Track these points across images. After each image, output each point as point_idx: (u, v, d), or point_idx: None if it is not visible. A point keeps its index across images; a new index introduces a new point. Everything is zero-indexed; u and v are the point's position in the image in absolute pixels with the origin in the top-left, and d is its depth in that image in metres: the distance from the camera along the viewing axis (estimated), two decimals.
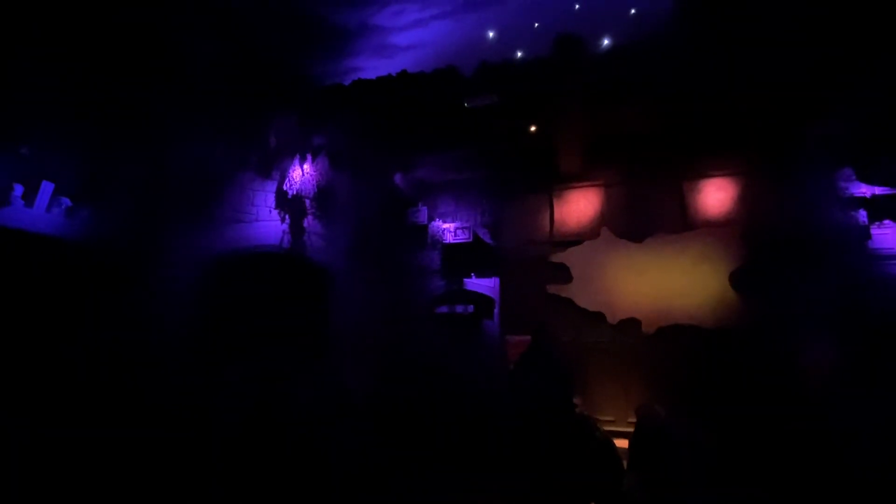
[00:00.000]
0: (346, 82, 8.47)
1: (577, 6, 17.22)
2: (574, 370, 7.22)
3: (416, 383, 6.43)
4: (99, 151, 6.33)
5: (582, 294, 8.54)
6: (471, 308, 10.14)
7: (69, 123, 5.93)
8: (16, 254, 5.47)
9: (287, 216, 8.19)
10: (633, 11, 12.97)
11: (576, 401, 5.29)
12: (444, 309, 10.11)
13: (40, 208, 5.70)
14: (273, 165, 8.16)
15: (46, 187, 5.72)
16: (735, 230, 7.83)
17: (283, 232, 8.14)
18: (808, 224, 7.15)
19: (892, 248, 6.96)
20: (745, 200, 7.93)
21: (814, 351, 6.27)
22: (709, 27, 5.84)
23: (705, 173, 8.24)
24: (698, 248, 7.96)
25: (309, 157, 8.36)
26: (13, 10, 5.04)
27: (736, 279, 7.64)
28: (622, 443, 4.84)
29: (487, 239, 9.76)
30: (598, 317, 8.37)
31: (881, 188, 6.99)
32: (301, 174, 8.23)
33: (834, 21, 5.41)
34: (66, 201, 5.98)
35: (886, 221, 7.02)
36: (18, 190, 5.50)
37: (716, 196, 8.16)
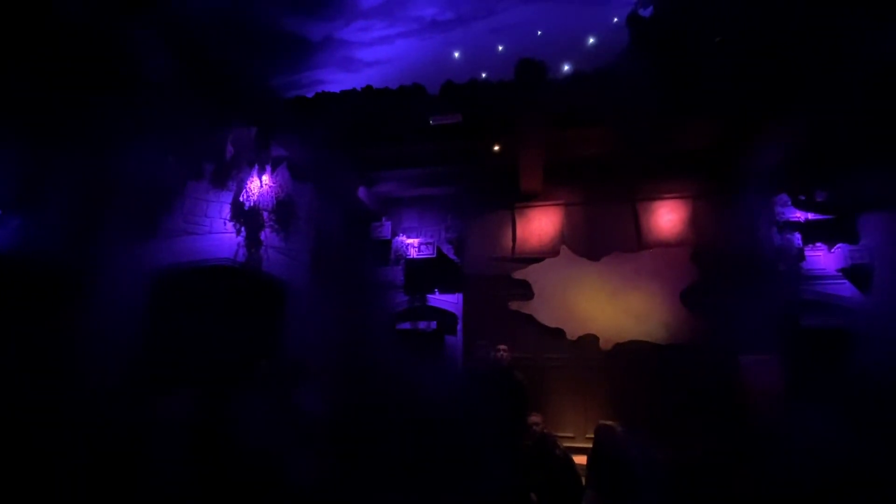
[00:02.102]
0: (310, 94, 8.34)
1: (539, 33, 18.00)
2: (534, 386, 7.27)
3: (375, 402, 6.25)
4: (35, 155, 5.86)
5: (542, 310, 8.69)
6: (433, 324, 10.06)
7: (2, 124, 5.47)
8: None
9: (243, 228, 7.86)
10: (591, 41, 13.71)
11: (536, 418, 5.30)
12: (406, 325, 9.96)
13: None
14: (229, 176, 7.84)
15: None
16: (685, 250, 8.26)
17: (238, 245, 7.79)
18: (750, 245, 7.68)
19: (824, 269, 7.55)
20: (694, 222, 8.41)
21: (757, 366, 6.63)
22: (657, 62, 6.24)
23: (657, 196, 8.69)
24: (652, 267, 8.31)
25: (268, 168, 8.10)
26: None
27: (686, 297, 8.03)
28: (581, 458, 4.88)
29: (451, 255, 9.77)
30: (558, 333, 8.53)
31: (813, 214, 7.62)
32: (259, 185, 7.96)
33: (761, 64, 5.91)
34: None
35: (819, 244, 7.62)
36: None
37: (667, 217, 8.60)
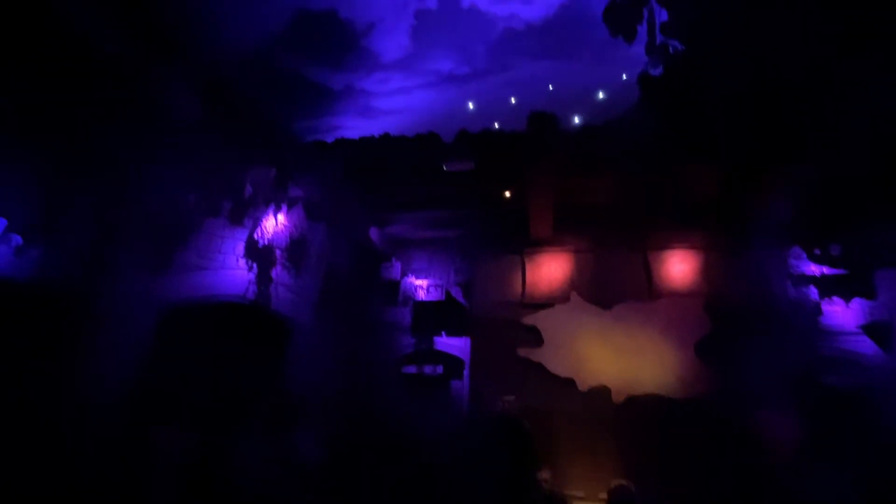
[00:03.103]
0: (329, 139, 8.69)
1: (550, 87, 18.81)
2: (543, 439, 6.97)
3: (377, 447, 6.02)
4: (57, 187, 6.09)
5: (552, 359, 8.48)
6: (440, 368, 9.85)
7: (28, 155, 5.71)
8: None
9: (255, 265, 7.95)
10: (600, 96, 14.26)
11: (545, 474, 5.04)
12: (412, 369, 9.77)
13: None
14: (246, 213, 8.05)
15: None
16: (698, 301, 8.12)
17: (249, 282, 7.85)
18: (765, 299, 7.54)
19: (843, 325, 7.34)
20: (706, 273, 8.32)
21: (775, 423, 6.34)
22: (667, 117, 6.45)
23: (668, 245, 8.68)
24: (664, 317, 8.16)
25: (284, 207, 8.31)
26: None
27: (701, 349, 7.81)
28: None
29: (460, 298, 9.72)
30: (569, 383, 8.27)
31: (829, 268, 7.51)
32: (274, 224, 8.13)
33: (770, 115, 6.07)
34: (17, 239, 5.64)
35: (836, 299, 7.46)
36: None
37: (679, 267, 8.54)
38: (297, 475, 4.59)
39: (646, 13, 6.33)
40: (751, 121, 5.99)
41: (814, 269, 7.59)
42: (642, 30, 6.34)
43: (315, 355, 8.40)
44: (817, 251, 7.54)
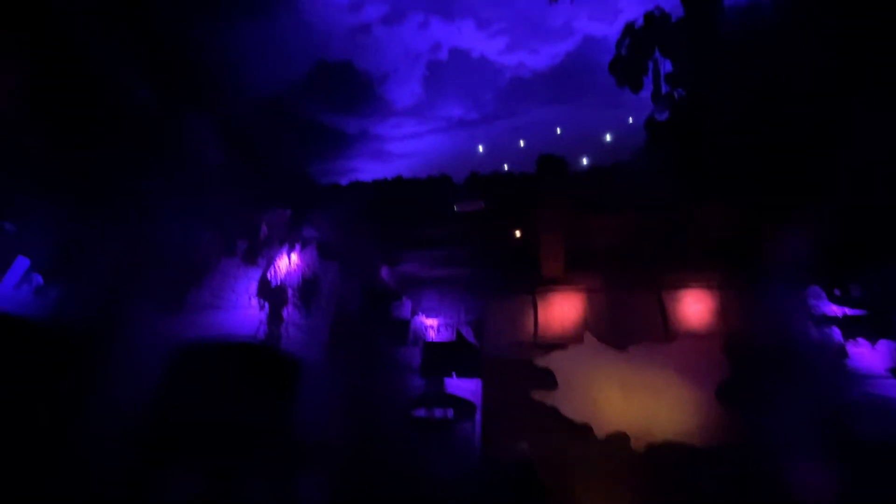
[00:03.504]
0: (344, 182, 8.96)
1: (558, 130, 19.31)
2: (560, 489, 6.64)
3: (384, 494, 5.77)
4: (79, 228, 6.27)
5: (567, 402, 8.19)
6: (450, 412, 9.55)
7: (56, 199, 5.93)
8: None
9: (267, 305, 7.99)
10: (608, 139, 14.58)
11: None
12: (421, 412, 9.49)
13: (8, 285, 5.47)
14: (260, 253, 8.18)
15: (21, 263, 5.56)
16: (716, 343, 7.89)
17: (261, 321, 7.86)
18: (786, 340, 7.29)
19: (871, 368, 7.02)
20: (723, 313, 8.13)
21: (804, 475, 5.96)
22: (674, 159, 6.55)
23: (683, 284, 8.54)
24: (682, 359, 7.91)
25: (298, 247, 8.44)
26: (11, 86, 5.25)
27: (722, 393, 7.49)
28: None
29: (471, 338, 9.58)
30: (585, 429, 7.93)
31: (850, 309, 7.29)
32: (288, 264, 8.23)
33: (780, 157, 6.12)
34: (38, 279, 5.78)
35: (861, 340, 7.18)
36: None
37: (694, 307, 8.36)
38: None
39: (650, 65, 6.60)
40: (760, 162, 6.05)
41: (835, 309, 7.36)
42: (648, 78, 6.60)
43: (324, 396, 8.24)
44: (837, 291, 7.35)
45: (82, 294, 6.11)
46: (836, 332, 7.27)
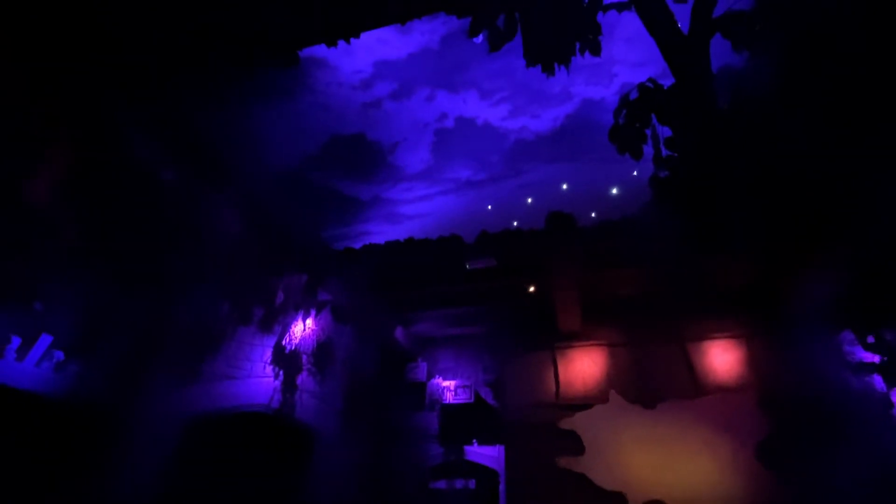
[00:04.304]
0: (358, 245, 9.16)
1: (564, 186, 19.84)
2: None
3: None
4: (101, 304, 6.44)
5: (596, 469, 7.66)
6: (472, 483, 9.00)
7: (79, 276, 6.15)
8: None
9: (281, 372, 7.92)
10: (614, 192, 14.87)
11: None
12: (441, 484, 8.97)
13: (30, 363, 5.56)
14: (276, 320, 8.25)
15: (44, 340, 5.68)
16: (751, 396, 7.44)
17: (275, 390, 7.75)
18: (824, 390, 6.82)
19: None
20: (755, 363, 7.74)
21: None
22: (682, 214, 6.60)
23: (708, 335, 8.23)
24: (716, 416, 7.44)
25: (313, 312, 8.51)
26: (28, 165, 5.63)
27: (763, 454, 6.94)
28: None
29: (490, 399, 9.24)
30: (618, 497, 7.34)
31: (888, 356, 6.89)
32: (302, 329, 8.26)
33: (790, 205, 6.10)
34: (59, 355, 5.87)
35: None
36: (15, 343, 5.46)
37: (723, 358, 7.99)
38: None
39: (648, 133, 6.89)
40: (773, 214, 6.03)
41: (871, 356, 6.97)
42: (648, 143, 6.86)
43: (338, 466, 7.89)
44: (870, 339, 6.98)
45: (101, 368, 6.16)
46: (878, 381, 6.82)
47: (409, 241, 8.67)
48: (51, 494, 4.70)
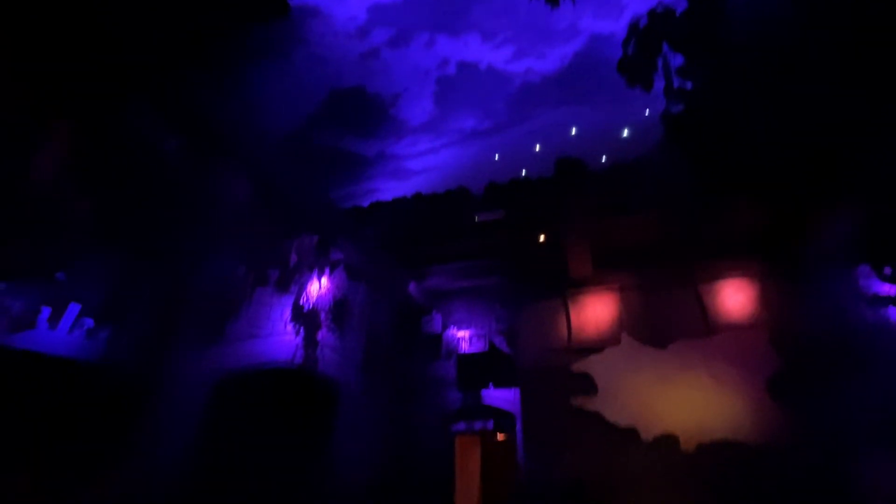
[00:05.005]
0: (365, 203, 9.14)
1: (573, 130, 19.18)
2: (610, 500, 6.43)
3: None
4: (124, 273, 6.65)
5: (609, 407, 7.95)
6: (490, 424, 9.46)
7: (102, 247, 6.32)
8: (35, 377, 5.45)
9: (302, 329, 8.18)
10: (625, 133, 14.34)
11: None
12: (461, 425, 9.44)
13: (63, 330, 5.83)
14: (292, 280, 8.42)
15: (73, 309, 5.92)
16: (762, 333, 7.52)
17: (297, 346, 8.05)
18: (838, 325, 6.85)
19: None
20: (767, 301, 7.75)
21: (866, 467, 5.55)
22: (693, 152, 6.36)
23: (721, 276, 8.20)
24: (728, 354, 7.57)
25: (327, 271, 8.64)
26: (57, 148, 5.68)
27: (774, 387, 7.11)
28: None
29: (504, 347, 9.50)
30: (631, 433, 7.66)
31: None
32: (318, 288, 8.43)
33: (805, 144, 5.83)
34: (89, 322, 6.14)
35: None
36: (46, 313, 5.70)
37: (735, 298, 8.01)
38: None
39: (660, 61, 6.47)
40: (787, 150, 5.78)
41: (888, 288, 6.91)
42: (659, 74, 6.48)
43: (363, 416, 8.32)
44: (888, 270, 6.89)
45: (130, 334, 6.44)
46: (893, 313, 6.81)
47: (417, 196, 8.62)
48: (95, 451, 5.08)
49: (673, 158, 6.27)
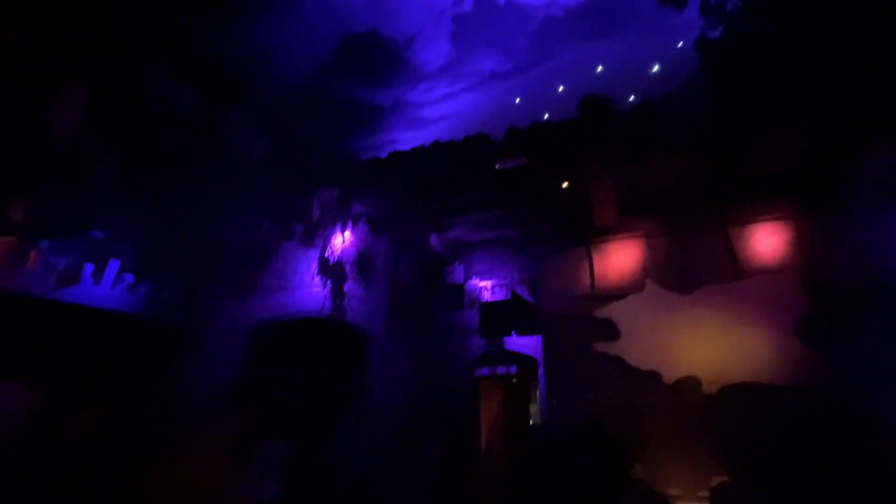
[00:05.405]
0: (383, 155, 9.01)
1: (599, 68, 17.98)
2: (630, 438, 6.66)
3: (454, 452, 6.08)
4: (158, 231, 6.91)
5: (632, 351, 8.05)
6: (513, 369, 9.76)
7: (134, 207, 6.55)
8: (85, 328, 5.86)
9: (328, 282, 8.42)
10: (655, 69, 13.37)
11: (641, 474, 4.80)
12: (485, 370, 9.78)
13: (106, 285, 6.17)
14: (316, 234, 8.57)
15: (113, 265, 6.22)
16: (794, 277, 7.31)
17: (325, 297, 8.33)
18: (873, 265, 6.58)
19: None
20: (802, 245, 7.46)
21: (893, 410, 5.53)
22: (732, 82, 5.88)
23: (753, 219, 7.89)
24: (756, 297, 7.44)
25: (349, 224, 8.74)
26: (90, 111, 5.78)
27: (802, 330, 7.01)
28: None
29: (526, 296, 9.59)
30: (652, 376, 7.79)
31: None
32: (342, 241, 8.56)
33: (851, 70, 5.31)
34: (130, 277, 6.46)
35: None
36: (88, 269, 6.00)
37: (767, 241, 7.74)
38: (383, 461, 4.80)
39: None
40: (834, 80, 5.27)
41: None
42: None
43: (390, 361, 8.71)
44: None
45: (168, 288, 6.75)
46: None
47: (435, 144, 8.41)
48: (146, 394, 5.51)
49: (708, 92, 5.81)
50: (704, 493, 5.98)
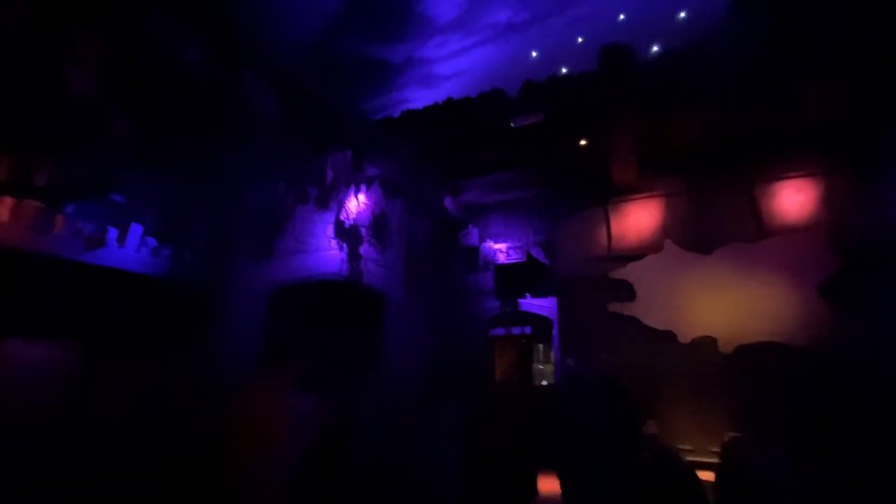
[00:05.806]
0: (396, 114, 8.81)
1: (621, 17, 16.96)
2: (645, 395, 6.77)
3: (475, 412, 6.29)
4: (178, 197, 7.00)
5: (648, 312, 8.05)
6: (528, 329, 9.90)
7: (153, 172, 6.61)
8: (112, 289, 6.09)
9: (345, 245, 8.52)
10: (681, 16, 12.51)
11: (652, 428, 4.90)
12: (500, 331, 9.95)
13: (131, 248, 6.35)
14: (331, 197, 8.58)
15: (136, 230, 6.37)
16: (821, 235, 7.09)
17: (342, 260, 8.45)
18: None
19: None
20: (830, 202, 7.18)
21: None
22: (766, 23, 5.46)
23: (780, 175, 7.58)
24: (778, 257, 7.27)
25: (363, 187, 8.71)
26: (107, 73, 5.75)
27: (827, 290, 6.87)
28: (705, 475, 4.42)
29: (541, 258, 9.57)
30: (668, 336, 7.82)
31: None
32: (357, 204, 8.57)
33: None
34: (153, 241, 6.62)
35: None
36: (113, 233, 6.17)
37: (794, 199, 7.47)
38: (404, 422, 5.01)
39: None
40: (876, 28, 4.85)
41: None
42: None
43: (407, 322, 8.91)
44: None
45: (190, 252, 6.91)
46: None
47: (448, 101, 8.17)
48: (170, 354, 5.76)
49: (740, 38, 5.43)
50: (715, 449, 6.12)
